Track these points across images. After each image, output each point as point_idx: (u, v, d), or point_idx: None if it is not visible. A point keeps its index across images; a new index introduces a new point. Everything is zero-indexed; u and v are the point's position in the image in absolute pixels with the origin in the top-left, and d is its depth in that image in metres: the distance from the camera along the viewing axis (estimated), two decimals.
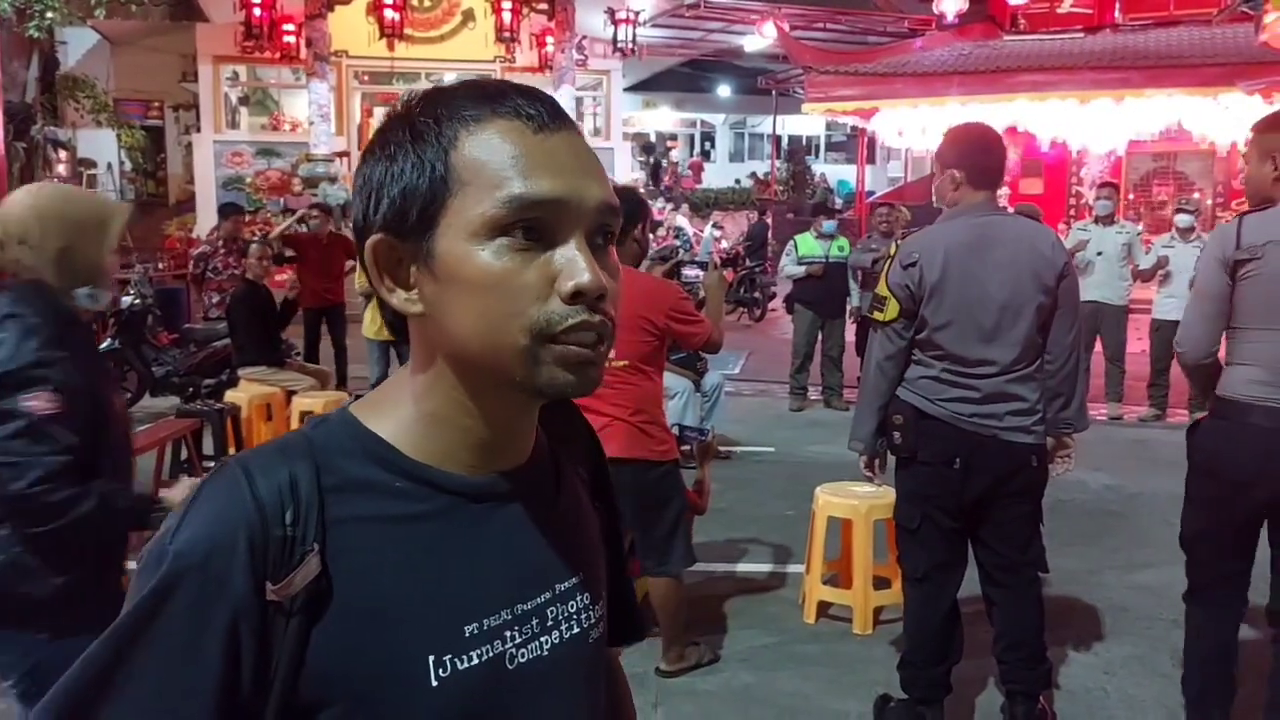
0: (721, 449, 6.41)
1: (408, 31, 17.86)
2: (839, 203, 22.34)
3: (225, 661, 0.76)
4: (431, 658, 0.81)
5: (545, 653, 0.87)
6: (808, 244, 8.73)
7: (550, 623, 0.88)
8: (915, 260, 3.01)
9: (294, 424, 6.59)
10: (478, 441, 0.85)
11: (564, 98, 19.19)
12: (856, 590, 4.25)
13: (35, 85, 13.55)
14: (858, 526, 4.28)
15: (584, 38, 19.67)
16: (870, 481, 3.49)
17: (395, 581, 0.81)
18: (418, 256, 0.81)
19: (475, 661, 0.82)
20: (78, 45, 19.26)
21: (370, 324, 7.32)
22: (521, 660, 0.85)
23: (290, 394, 6.86)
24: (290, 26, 17.29)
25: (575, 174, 0.81)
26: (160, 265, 13.31)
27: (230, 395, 6.87)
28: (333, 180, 16.87)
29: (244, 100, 20.92)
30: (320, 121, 17.61)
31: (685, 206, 18.30)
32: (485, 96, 0.82)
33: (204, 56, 19.16)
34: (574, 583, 0.91)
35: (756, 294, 15.24)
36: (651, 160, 23.36)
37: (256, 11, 16.57)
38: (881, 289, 3.11)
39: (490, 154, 0.79)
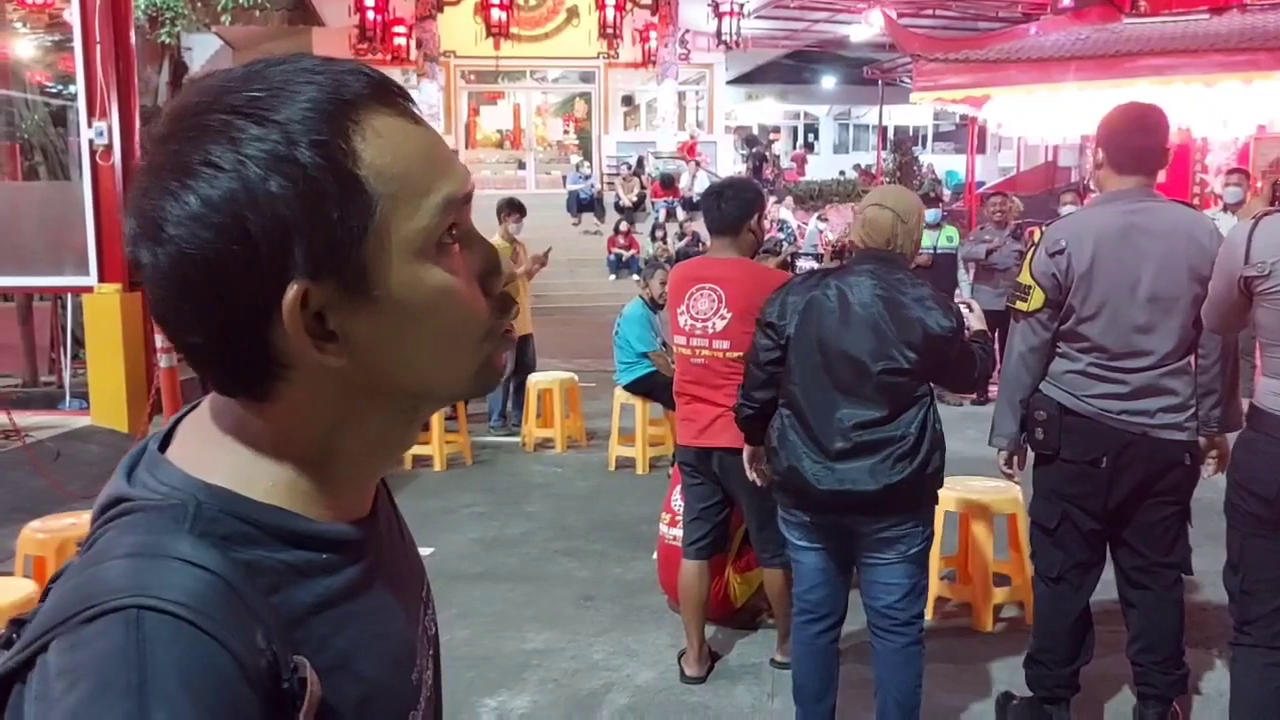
0: None
1: (513, 30, 18.15)
2: (947, 194, 21.89)
3: None
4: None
5: (431, 665, 0.84)
6: None
7: (428, 637, 0.84)
8: (1063, 247, 2.89)
9: None
10: (366, 484, 0.76)
11: (666, 92, 19.30)
12: (976, 587, 4.17)
13: (166, 89, 14.19)
14: (977, 522, 4.20)
15: (687, 31, 19.68)
16: (1011, 478, 3.41)
17: (365, 664, 0.70)
18: (341, 297, 0.65)
19: (421, 705, 0.78)
20: (202, 51, 20.10)
21: None
22: (428, 680, 0.82)
23: None
24: (401, 29, 17.76)
25: (456, 160, 0.73)
26: None
27: None
28: None
29: None
30: (429, 121, 17.98)
31: (789, 199, 18.13)
32: (341, 84, 0.66)
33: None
34: (426, 587, 0.87)
35: None
36: (754, 153, 23.21)
37: (370, 14, 17.02)
38: (1025, 277, 3.00)
39: (400, 156, 0.66)
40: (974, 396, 7.46)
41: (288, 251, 0.62)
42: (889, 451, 2.73)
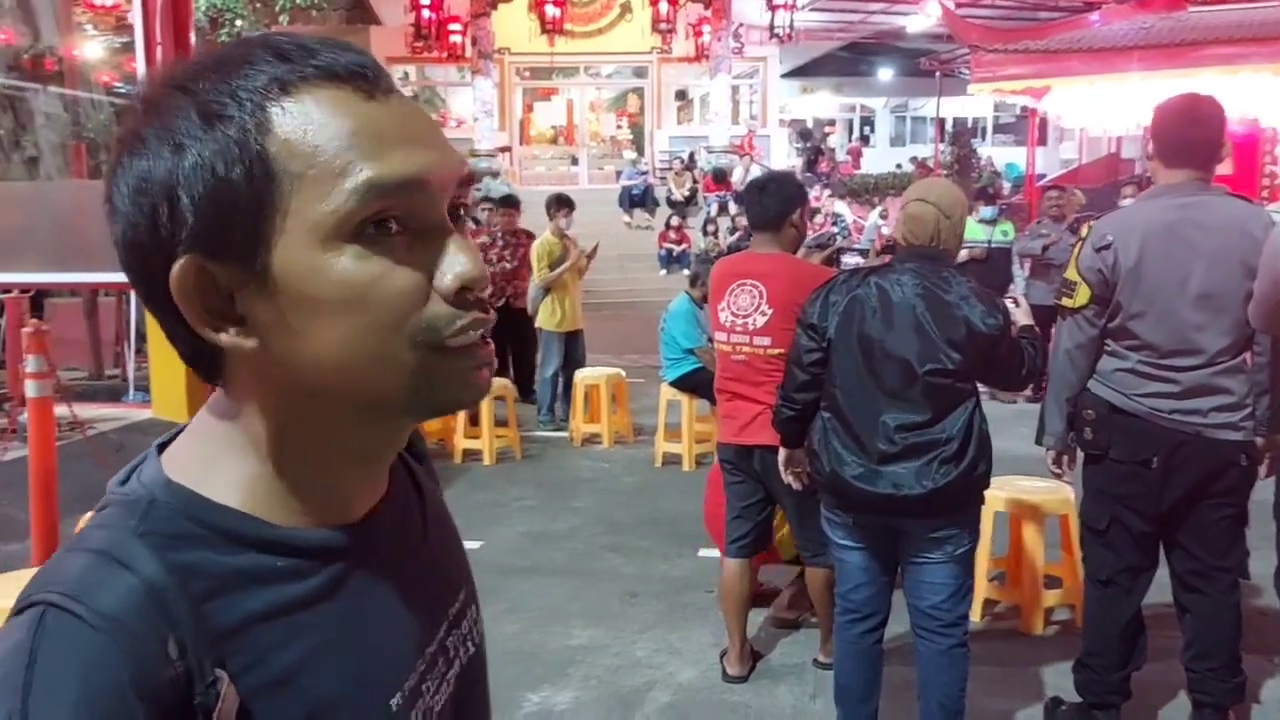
0: None
1: (567, 26, 18.16)
2: (1007, 187, 21.49)
3: None
4: None
5: (451, 687, 0.78)
6: (970, 229, 8.44)
7: (451, 654, 0.79)
8: (1109, 243, 2.83)
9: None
10: (347, 487, 0.71)
11: (720, 86, 19.21)
12: (1025, 589, 4.09)
13: None
14: (1027, 523, 4.12)
15: (740, 25, 19.57)
16: (1059, 478, 3.35)
17: (320, 677, 0.66)
18: (245, 279, 0.62)
19: None
20: None
21: (550, 315, 7.49)
22: (437, 707, 0.76)
23: None
24: (456, 26, 17.86)
25: (429, 143, 0.64)
26: None
27: None
28: (495, 175, 17.35)
29: (414, 98, 21.70)
30: (484, 118, 18.15)
31: (847, 195, 17.97)
32: (285, 57, 0.63)
33: (377, 58, 20.00)
34: (461, 600, 0.82)
35: None
36: (808, 146, 23.02)
37: (425, 13, 17.16)
38: (1071, 273, 2.94)
39: (321, 132, 0.61)
40: (1027, 393, 7.33)
41: (184, 226, 0.61)
42: (934, 454, 2.68)
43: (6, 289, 7.75)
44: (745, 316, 3.47)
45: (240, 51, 0.63)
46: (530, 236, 8.07)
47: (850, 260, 11.34)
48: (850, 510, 2.87)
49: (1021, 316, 2.98)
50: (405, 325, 0.63)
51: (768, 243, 3.53)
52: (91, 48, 12.73)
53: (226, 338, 0.64)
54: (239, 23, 13.00)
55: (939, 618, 2.85)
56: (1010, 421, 7.37)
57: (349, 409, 0.66)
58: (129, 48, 11.55)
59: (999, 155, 25.83)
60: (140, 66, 7.43)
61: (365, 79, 0.63)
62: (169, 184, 0.61)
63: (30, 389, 4.22)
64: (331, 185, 0.61)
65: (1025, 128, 20.33)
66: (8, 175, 10.37)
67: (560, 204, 7.52)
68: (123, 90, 13.15)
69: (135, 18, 7.48)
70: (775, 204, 3.49)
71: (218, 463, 0.67)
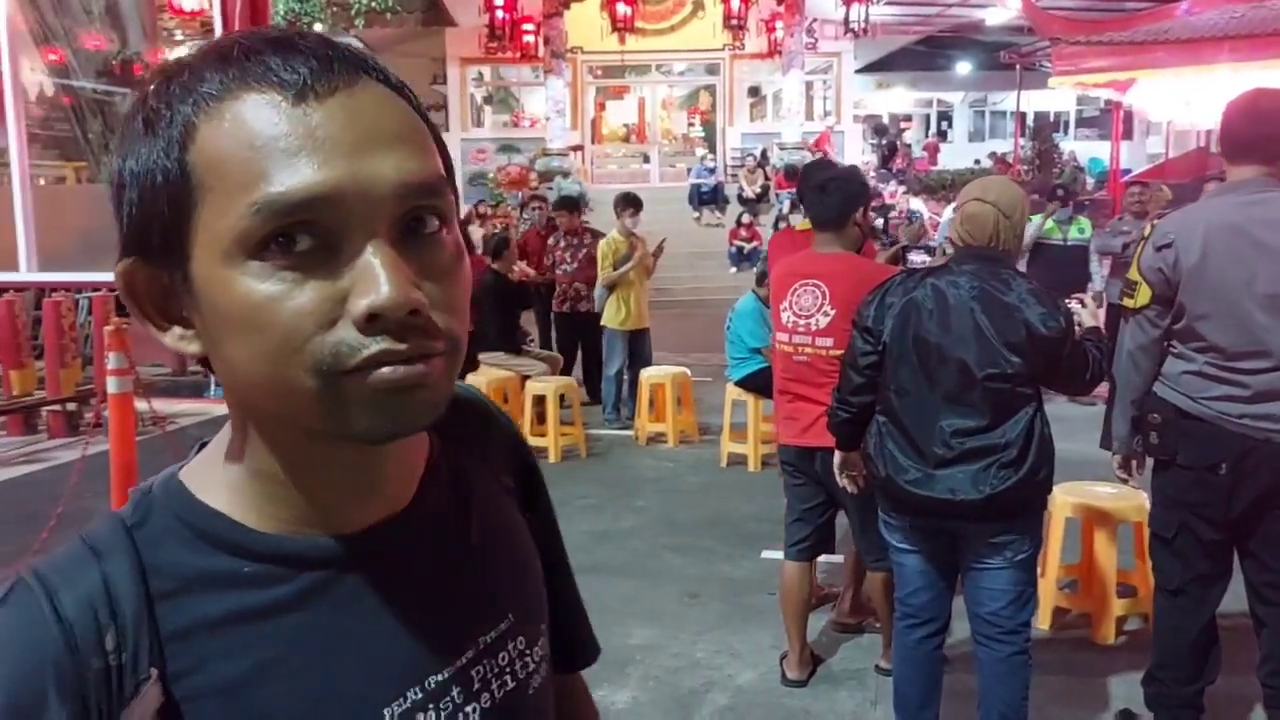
0: None
1: (638, 24, 18.20)
2: (1090, 183, 20.94)
3: None
4: None
5: (452, 715, 0.71)
6: (1047, 225, 8.28)
7: (478, 685, 0.72)
8: (1170, 241, 2.74)
9: (527, 408, 6.91)
10: (324, 499, 0.67)
11: (792, 82, 19.06)
12: (1097, 597, 3.98)
13: None
14: (1099, 529, 4.01)
15: (814, 20, 19.38)
16: (1126, 483, 3.25)
17: (268, 693, 0.64)
18: (177, 286, 0.63)
19: None
20: None
21: (614, 313, 7.53)
22: None
23: (525, 378, 7.18)
24: (529, 26, 18.04)
25: (353, 152, 0.59)
26: None
27: (470, 378, 7.26)
28: (566, 174, 17.45)
29: (488, 99, 22.04)
30: (556, 117, 18.28)
31: (922, 192, 17.69)
32: (226, 61, 0.60)
33: (452, 59, 20.37)
34: (503, 629, 0.75)
35: None
36: (883, 142, 22.72)
37: (499, 14, 17.35)
38: (1133, 273, 2.86)
39: (233, 144, 0.59)
40: (1102, 394, 7.12)
41: (123, 228, 0.64)
42: (993, 460, 2.62)
43: (96, 288, 8.05)
44: (808, 317, 3.43)
45: (200, 54, 0.62)
46: (595, 235, 8.10)
47: (917, 258, 11.15)
48: (906, 513, 2.82)
49: (1088, 318, 2.90)
50: (306, 349, 0.59)
51: (830, 242, 3.48)
52: (175, 52, 13.13)
53: (170, 338, 0.65)
54: (316, 26, 13.28)
55: (999, 624, 2.78)
56: (1083, 424, 7.18)
57: (285, 426, 0.64)
58: None
59: (1082, 150, 25.18)
60: None
61: (301, 80, 0.59)
62: (120, 184, 0.63)
63: (111, 385, 4.37)
64: (233, 200, 0.59)
65: (1110, 121, 19.78)
66: (97, 177, 10.75)
67: (626, 204, 7.54)
68: None
69: (215, 23, 7.71)
70: (837, 203, 3.44)
71: (216, 464, 0.68)
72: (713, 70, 21.94)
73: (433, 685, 0.69)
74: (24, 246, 7.96)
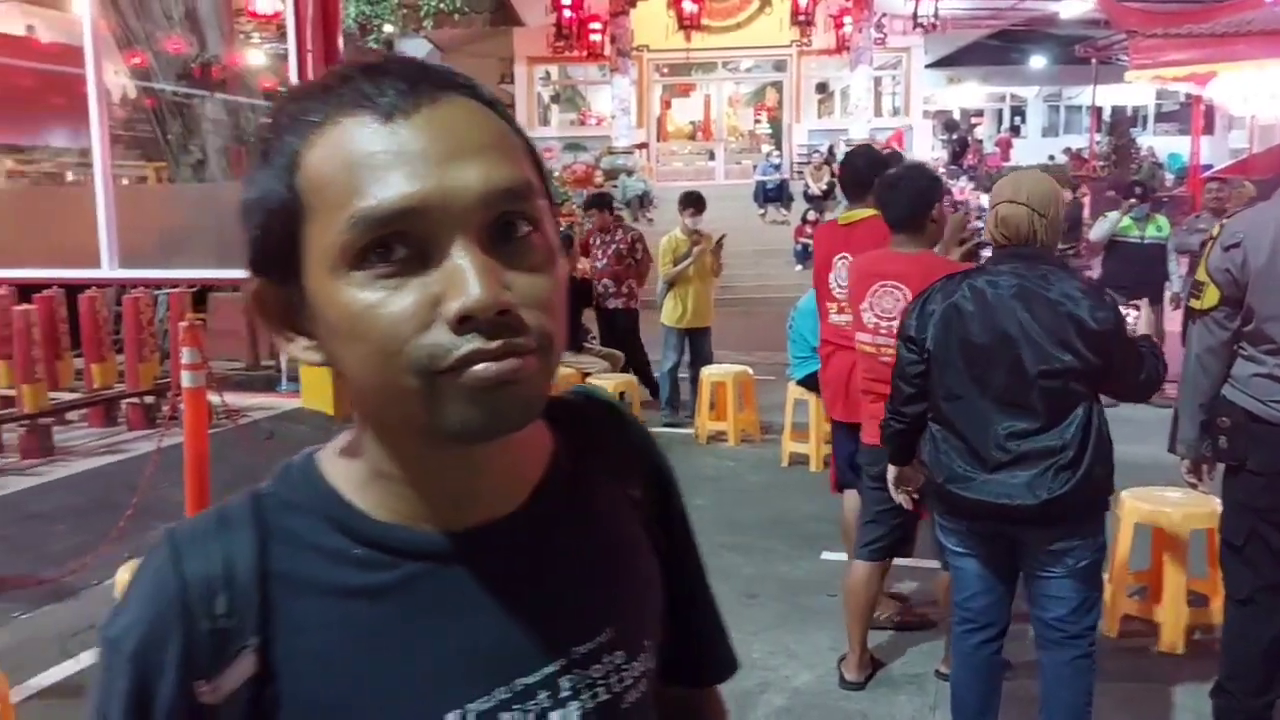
0: None
1: (705, 22, 18.18)
2: (1169, 179, 20.39)
3: None
4: None
5: None
6: (1122, 223, 8.09)
7: (566, 694, 0.73)
8: (1238, 241, 2.67)
9: None
10: (434, 495, 0.71)
11: (860, 78, 18.87)
12: (1166, 605, 3.88)
13: None
14: (1170, 536, 3.91)
15: (883, 15, 19.17)
16: (1195, 488, 3.17)
17: (359, 669, 0.68)
18: (297, 302, 0.68)
19: None
20: (413, 54, 21.22)
21: (671, 310, 7.55)
22: None
23: (585, 375, 7.22)
24: (596, 25, 18.12)
25: (440, 163, 0.63)
26: None
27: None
28: (631, 172, 17.46)
29: (555, 98, 22.18)
30: (621, 115, 18.33)
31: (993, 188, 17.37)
32: (325, 89, 0.66)
33: (519, 58, 20.55)
34: (600, 642, 0.75)
35: None
36: (953, 138, 22.35)
37: (566, 13, 17.46)
38: (1201, 273, 2.80)
39: (331, 166, 0.64)
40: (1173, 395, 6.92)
41: (250, 253, 0.69)
42: (1050, 463, 2.57)
43: (174, 285, 8.28)
44: (890, 319, 3.39)
45: (307, 86, 0.68)
46: (627, 230, 8.17)
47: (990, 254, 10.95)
48: (963, 517, 2.79)
49: (1142, 325, 2.83)
50: (405, 351, 0.63)
51: (905, 242, 3.42)
52: (252, 55, 13.46)
53: (296, 348, 0.70)
54: (387, 28, 13.49)
55: (1063, 629, 2.73)
56: (1156, 427, 6.98)
57: (395, 427, 0.68)
58: (285, 56, 12.20)
59: (1161, 145, 24.52)
60: (292, 72, 7.83)
61: (389, 102, 0.64)
62: (245, 211, 0.69)
63: (185, 379, 4.48)
64: (334, 216, 0.63)
65: (1190, 115, 19.22)
66: (177, 178, 11.06)
67: (687, 203, 7.55)
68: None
69: (288, 26, 7.87)
70: (907, 201, 3.39)
71: (345, 453, 0.74)
72: (780, 67, 21.81)
73: (520, 687, 0.71)
74: (105, 245, 8.20)
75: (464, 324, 0.62)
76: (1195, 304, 2.80)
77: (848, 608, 3.66)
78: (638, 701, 0.78)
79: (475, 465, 0.70)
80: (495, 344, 0.62)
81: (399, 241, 0.63)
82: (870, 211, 3.93)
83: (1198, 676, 3.45)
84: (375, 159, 0.63)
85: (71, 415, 7.19)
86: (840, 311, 3.98)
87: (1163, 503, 3.99)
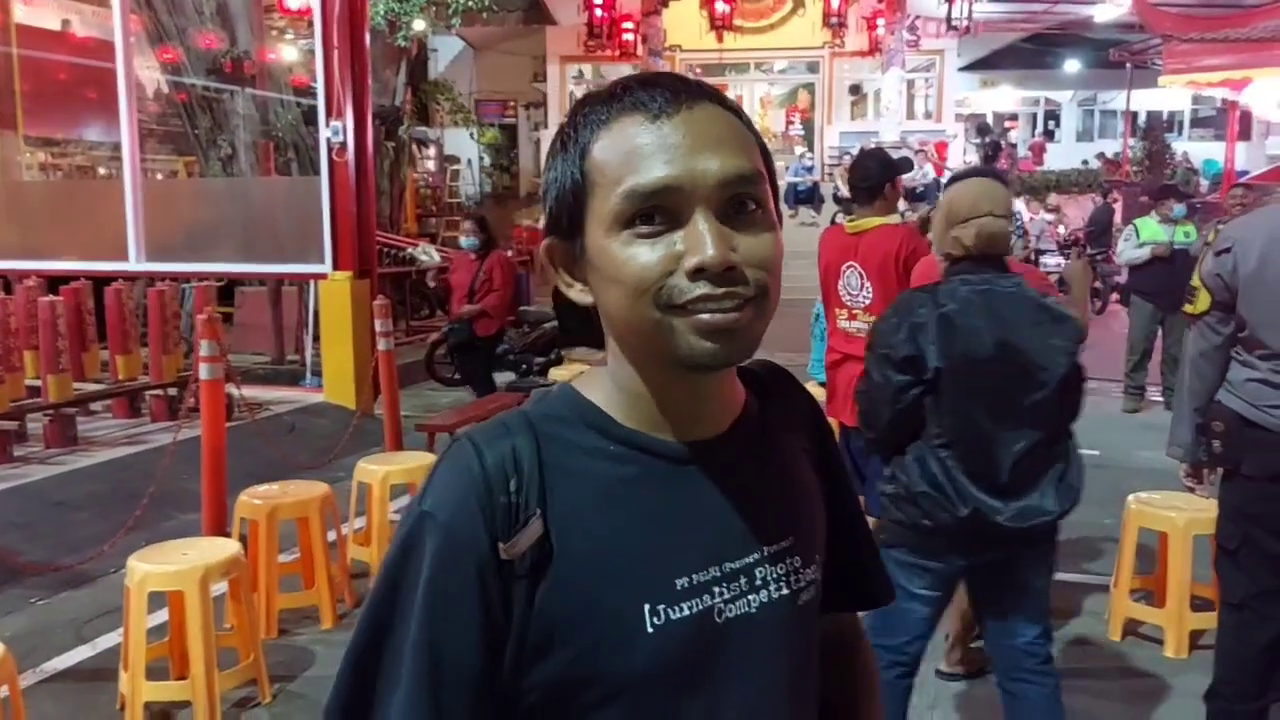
0: None
1: (738, 22, 18.15)
2: (1204, 184, 20.10)
3: (479, 601, 0.85)
4: (647, 606, 0.86)
5: (754, 610, 0.91)
6: (1149, 228, 8.00)
7: (759, 582, 0.92)
8: (1229, 247, 2.66)
9: None
10: (667, 412, 0.91)
11: (892, 80, 18.77)
12: (1170, 610, 3.85)
13: (404, 89, 15.14)
14: (1174, 541, 3.88)
15: (916, 18, 19.05)
16: (1193, 492, 3.15)
17: (612, 538, 0.87)
18: (578, 254, 0.90)
19: (686, 613, 0.88)
20: (446, 52, 21.36)
21: None
22: (729, 615, 0.90)
23: None
24: (629, 25, 18.13)
25: (690, 153, 0.84)
26: (509, 252, 14.41)
27: (554, 373, 7.36)
28: None
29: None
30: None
31: (1025, 192, 17.22)
32: (611, 96, 0.88)
33: (552, 57, 20.61)
34: (784, 546, 0.95)
35: (1098, 284, 14.03)
36: (986, 142, 22.18)
37: (599, 12, 17.50)
38: (1194, 278, 2.78)
39: (612, 153, 0.86)
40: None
41: (547, 217, 0.93)
42: (1058, 470, 2.52)
43: (203, 278, 8.39)
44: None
45: (598, 93, 0.90)
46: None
47: (1051, 260, 11.00)
48: (961, 554, 2.61)
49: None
50: (651, 290, 0.83)
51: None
52: (286, 51, 13.60)
53: (574, 292, 0.92)
54: (415, 24, 13.58)
55: (1036, 653, 2.63)
56: (1162, 431, 6.92)
57: (640, 353, 0.89)
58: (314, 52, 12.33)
59: (1197, 151, 24.16)
60: (319, 69, 7.90)
61: (658, 106, 0.85)
62: (546, 187, 0.92)
63: (202, 372, 4.52)
64: (611, 190, 0.85)
65: (1226, 121, 18.96)
66: (206, 172, 11.20)
67: None
68: (312, 91, 14.01)
69: (315, 23, 7.95)
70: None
71: (601, 377, 0.95)
72: (813, 68, 21.74)
73: (728, 569, 0.91)
74: (133, 238, 8.31)
75: (697, 274, 0.82)
76: (1189, 308, 2.80)
77: None
78: (808, 603, 0.97)
79: (701, 392, 0.91)
80: (720, 290, 0.82)
81: (656, 210, 0.83)
82: (879, 220, 3.94)
83: (1201, 682, 3.42)
84: (645, 149, 0.84)
85: (96, 406, 7.29)
86: (850, 318, 3.97)
87: (1168, 507, 3.97)
